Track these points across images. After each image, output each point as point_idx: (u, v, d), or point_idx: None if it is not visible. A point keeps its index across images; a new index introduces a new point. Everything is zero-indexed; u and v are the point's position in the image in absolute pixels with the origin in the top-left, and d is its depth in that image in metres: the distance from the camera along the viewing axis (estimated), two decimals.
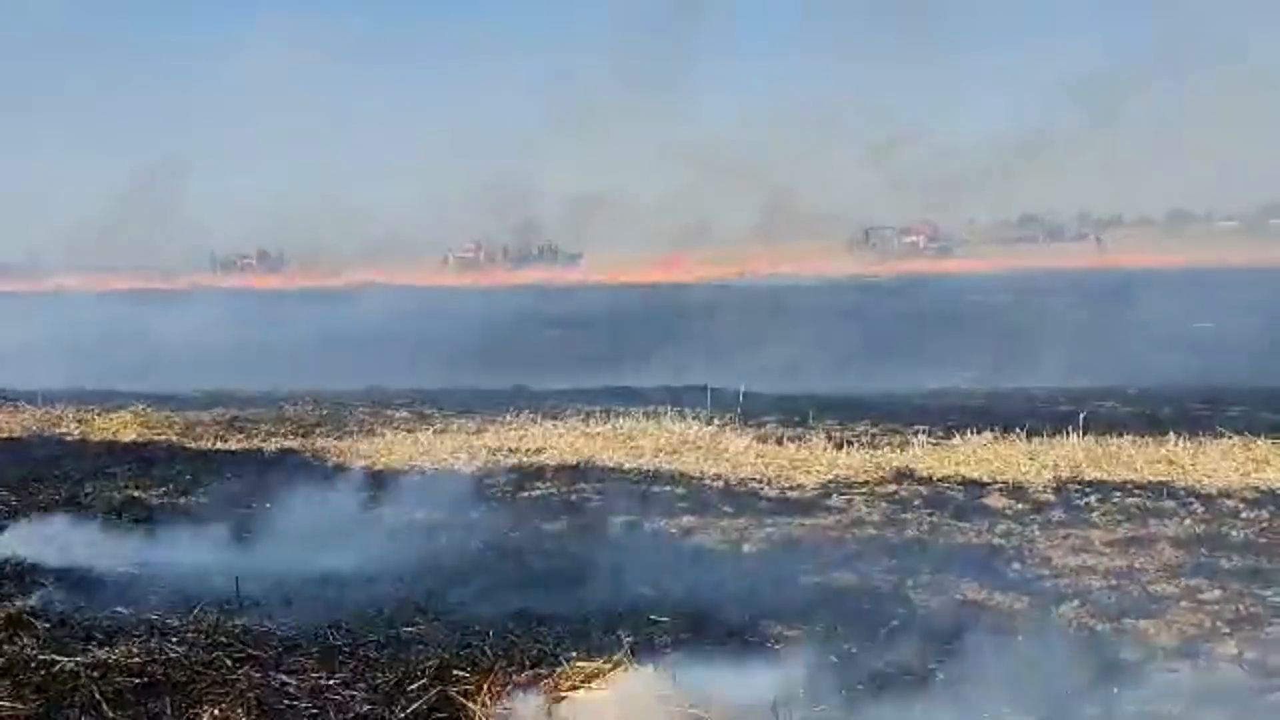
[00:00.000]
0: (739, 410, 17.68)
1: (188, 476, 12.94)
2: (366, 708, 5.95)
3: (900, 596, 8.26)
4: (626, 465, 13.71)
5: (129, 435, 16.71)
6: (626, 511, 11.08)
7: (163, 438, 16.46)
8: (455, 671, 6.35)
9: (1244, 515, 10.72)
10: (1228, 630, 7.39)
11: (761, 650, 6.91)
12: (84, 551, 9.11)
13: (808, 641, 7.06)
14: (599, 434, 15.97)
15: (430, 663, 6.47)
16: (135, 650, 6.63)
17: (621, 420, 17.02)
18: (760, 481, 12.69)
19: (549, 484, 12.64)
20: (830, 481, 12.57)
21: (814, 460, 13.80)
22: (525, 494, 12.19)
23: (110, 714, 5.81)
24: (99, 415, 18.37)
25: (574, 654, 6.63)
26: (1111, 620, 7.65)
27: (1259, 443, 14.39)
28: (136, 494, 11.95)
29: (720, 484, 12.53)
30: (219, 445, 15.79)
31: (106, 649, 6.66)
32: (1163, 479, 12.41)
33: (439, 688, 6.09)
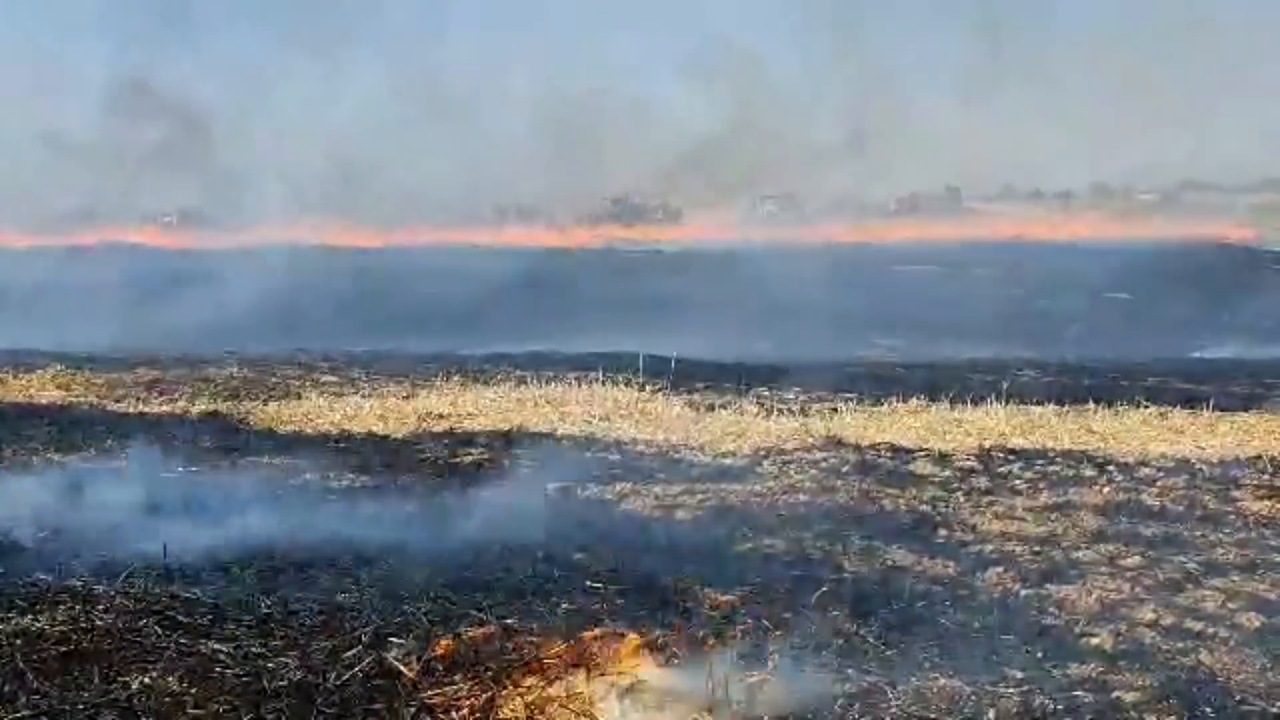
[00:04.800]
0: (670, 376, 17.77)
1: (110, 440, 12.64)
2: (300, 675, 5.88)
3: (831, 562, 8.38)
4: (559, 431, 13.71)
5: (47, 397, 16.30)
6: (559, 477, 11.08)
7: (83, 400, 16.07)
8: (391, 639, 6.32)
9: (1161, 483, 11.04)
10: (1146, 595, 7.62)
11: (696, 616, 6.96)
12: (3, 516, 8.87)
13: (741, 607, 7.14)
14: (531, 399, 15.94)
15: (366, 629, 6.43)
16: (60, 618, 6.47)
17: (553, 386, 17.01)
18: (693, 448, 12.77)
19: (480, 450, 12.58)
20: (762, 448, 12.70)
21: (746, 427, 13.94)
22: (456, 460, 12.12)
23: (35, 683, 5.68)
24: (14, 376, 17.88)
25: (509, 619, 6.66)
26: (1034, 585, 7.84)
27: (1175, 412, 14.87)
28: (57, 457, 11.66)
29: (653, 450, 12.59)
30: (141, 408, 15.46)
31: (30, 616, 6.49)
32: (1083, 447, 12.76)
33: (375, 655, 6.05)
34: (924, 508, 10.16)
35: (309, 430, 13.85)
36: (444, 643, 6.23)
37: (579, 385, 17.00)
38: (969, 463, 11.98)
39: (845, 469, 11.65)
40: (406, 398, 16.34)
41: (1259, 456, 12.19)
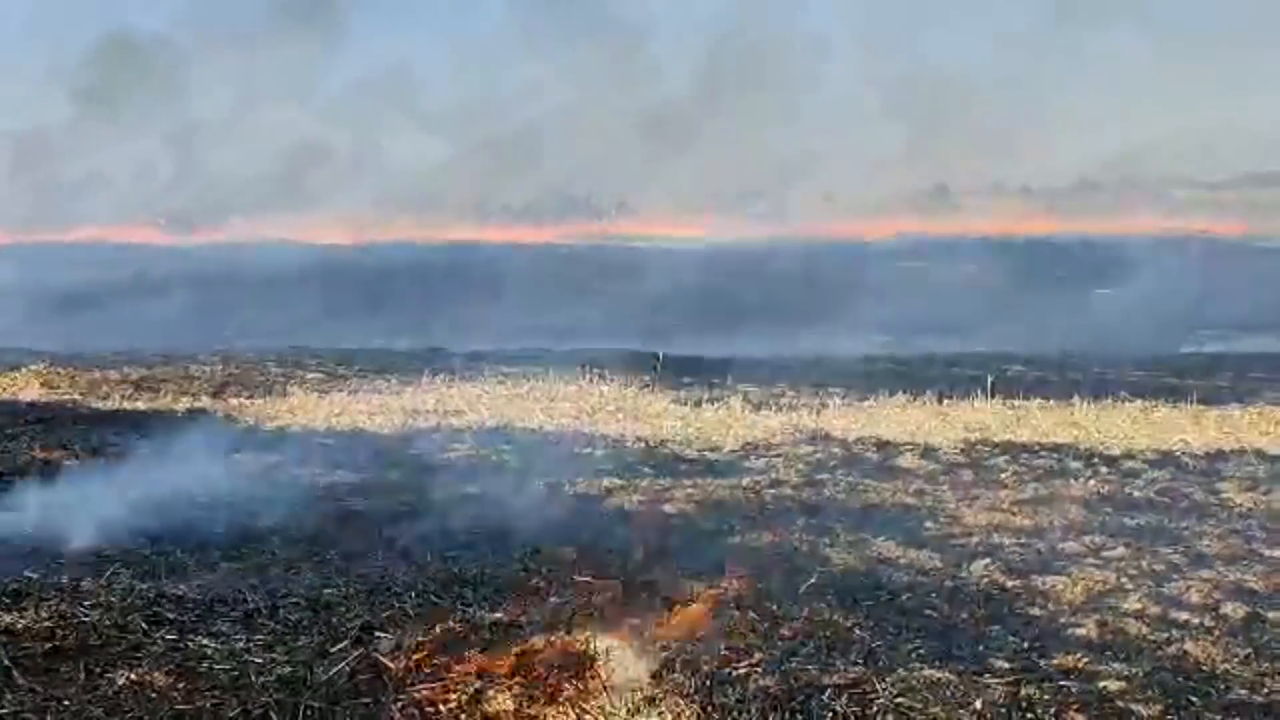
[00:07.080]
0: (657, 373, 17.77)
1: (95, 437, 12.58)
2: (287, 670, 5.87)
3: (818, 554, 8.39)
4: (547, 427, 13.70)
5: (31, 394, 16.20)
6: (547, 473, 11.07)
7: (67, 397, 15.99)
8: (378, 634, 6.31)
9: (1145, 476, 11.10)
10: (1131, 586, 7.65)
11: (685, 609, 6.96)
12: None
13: (729, 600, 7.14)
14: (519, 395, 15.93)
15: (353, 624, 6.42)
16: (46, 614, 6.45)
17: (540, 382, 17.00)
18: (681, 443, 12.78)
19: (469, 446, 12.56)
20: (749, 443, 12.71)
21: (733, 422, 13.95)
22: (445, 455, 12.10)
23: (20, 679, 5.66)
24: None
25: (497, 614, 6.65)
26: (1020, 577, 7.86)
27: (1159, 407, 14.94)
28: (42, 455, 11.59)
29: (641, 445, 12.59)
30: (126, 405, 15.39)
31: (15, 613, 6.47)
32: (1068, 441, 12.81)
33: (362, 649, 6.04)
34: (910, 501, 10.18)
35: (295, 426, 13.79)
36: (431, 637, 6.23)
37: (565, 382, 17.00)
38: (955, 456, 12.01)
39: (832, 463, 11.67)
40: (394, 393, 16.30)
41: (1243, 450, 12.27)
